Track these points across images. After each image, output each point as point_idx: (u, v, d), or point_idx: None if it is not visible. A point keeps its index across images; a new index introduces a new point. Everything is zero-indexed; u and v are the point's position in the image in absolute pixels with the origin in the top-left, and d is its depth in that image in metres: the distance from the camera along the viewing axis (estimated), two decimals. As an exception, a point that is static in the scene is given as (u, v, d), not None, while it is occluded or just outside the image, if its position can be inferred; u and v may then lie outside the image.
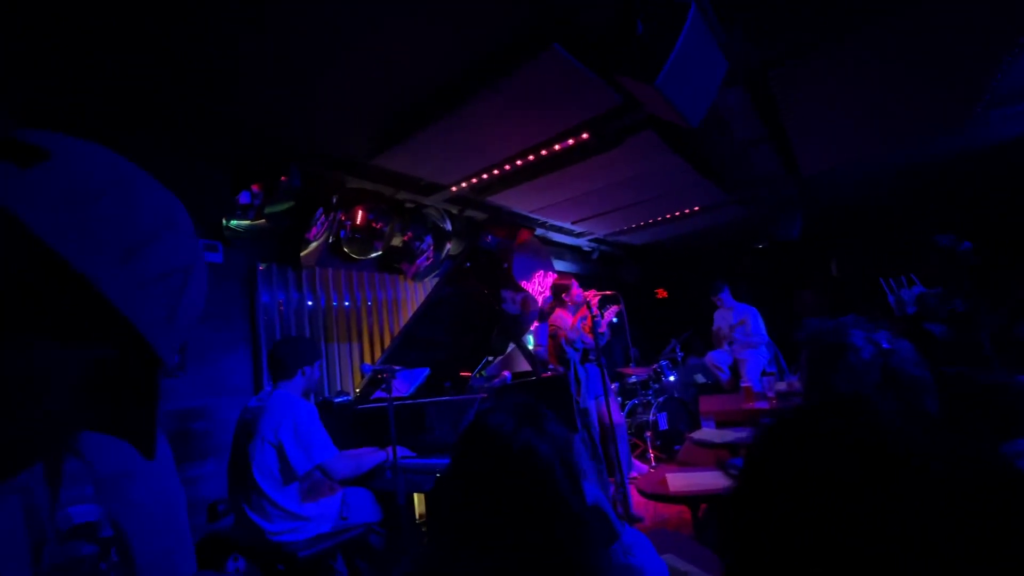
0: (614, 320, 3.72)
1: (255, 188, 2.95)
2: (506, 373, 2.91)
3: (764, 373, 4.37)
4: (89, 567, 1.87)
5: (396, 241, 3.90)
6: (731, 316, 4.95)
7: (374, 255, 3.76)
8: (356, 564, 2.22)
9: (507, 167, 3.37)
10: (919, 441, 0.40)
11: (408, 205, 3.93)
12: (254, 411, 2.12)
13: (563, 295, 3.67)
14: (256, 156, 2.90)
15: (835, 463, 0.40)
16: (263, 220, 3.02)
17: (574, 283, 3.72)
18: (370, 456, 2.20)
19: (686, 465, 3.67)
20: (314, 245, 3.35)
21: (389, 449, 2.21)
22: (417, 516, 3.09)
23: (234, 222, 2.95)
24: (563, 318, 3.64)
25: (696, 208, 4.92)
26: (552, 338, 3.67)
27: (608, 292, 3.61)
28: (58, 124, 2.32)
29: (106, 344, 0.37)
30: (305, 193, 3.12)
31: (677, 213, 5.02)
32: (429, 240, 3.98)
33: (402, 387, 2.73)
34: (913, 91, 3.07)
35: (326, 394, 3.39)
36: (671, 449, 4.49)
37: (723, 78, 2.23)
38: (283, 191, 2.98)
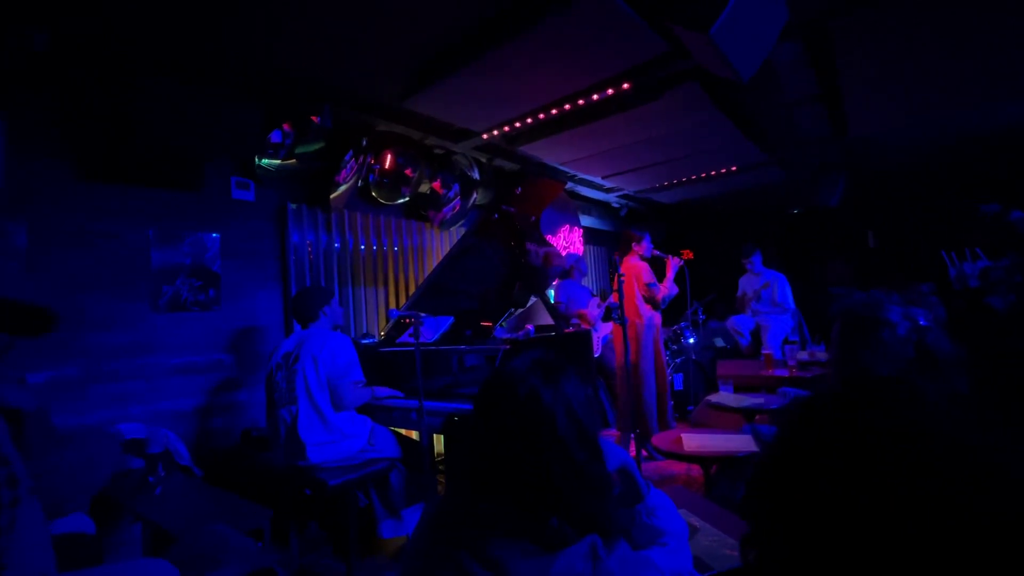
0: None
1: (286, 127, 2.93)
2: (529, 326, 2.94)
3: (786, 341, 4.33)
4: (139, 478, 2.04)
5: (424, 188, 3.87)
6: (757, 281, 4.86)
7: (401, 201, 3.75)
8: (373, 498, 2.37)
9: (541, 116, 3.26)
10: (972, 435, 0.40)
11: (437, 151, 3.87)
12: (296, 342, 2.35)
13: (634, 244, 3.69)
14: (288, 95, 2.85)
15: (886, 454, 0.40)
16: (293, 160, 3.02)
17: (647, 236, 3.74)
18: (367, 392, 2.42)
19: (699, 426, 3.73)
20: (343, 188, 3.35)
21: (363, 385, 2.40)
22: (436, 455, 3.26)
23: (265, 161, 2.96)
24: (643, 268, 3.67)
25: (733, 168, 4.73)
26: (624, 281, 3.67)
27: (677, 260, 3.71)
28: (90, 59, 2.31)
29: None
30: (335, 135, 3.09)
31: (713, 172, 4.84)
32: (456, 188, 3.94)
33: (427, 334, 2.79)
34: (984, 50, 2.82)
35: (352, 335, 3.50)
36: (684, 409, 4.56)
37: (781, 29, 2.07)
38: (314, 131, 2.96)
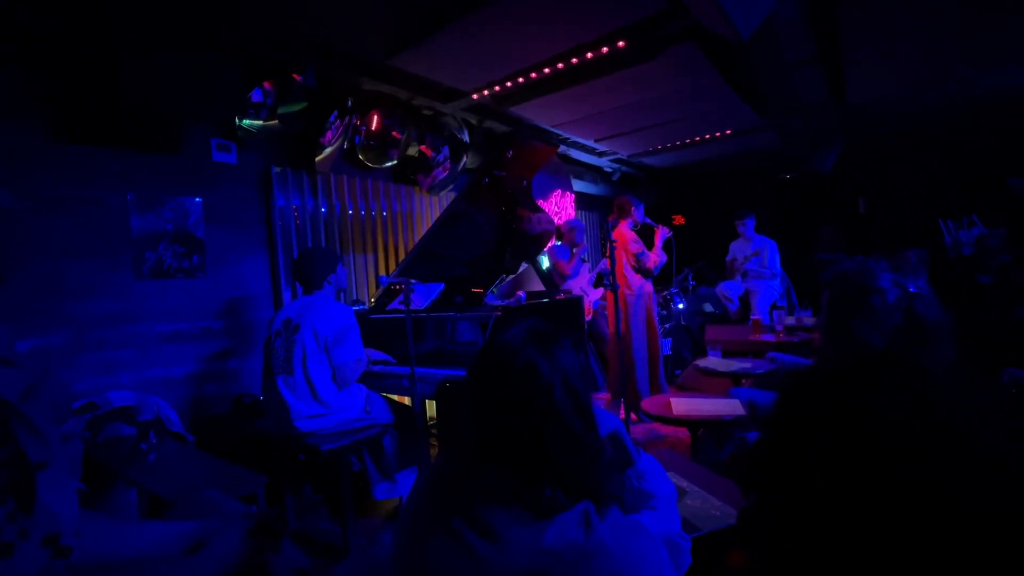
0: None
1: (267, 86, 2.80)
2: (521, 293, 2.94)
3: (774, 306, 4.39)
4: (130, 445, 2.05)
5: (412, 151, 3.77)
6: (748, 247, 4.88)
7: (389, 164, 3.65)
8: (366, 462, 2.40)
9: (533, 75, 3.15)
10: (973, 424, 0.39)
11: (425, 112, 3.75)
12: (298, 308, 2.29)
13: (632, 209, 3.67)
14: (269, 52, 2.72)
15: (883, 439, 0.39)
16: (276, 121, 2.90)
17: (642, 205, 3.73)
18: (365, 364, 2.38)
19: (686, 390, 3.81)
20: (329, 150, 3.25)
21: (365, 361, 2.36)
22: (428, 419, 3.30)
23: (246, 121, 2.84)
24: (631, 237, 3.66)
25: (728, 132, 4.65)
26: (616, 247, 3.65)
27: (666, 229, 3.70)
28: (62, 16, 2.16)
29: None
30: (320, 95, 2.96)
31: (708, 136, 4.77)
32: (446, 151, 3.84)
33: (417, 300, 2.77)
34: (983, 14, 2.74)
35: (342, 301, 3.47)
36: (672, 373, 4.64)
37: (784, -16, 1.99)
38: (296, 91, 2.83)
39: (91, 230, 2.42)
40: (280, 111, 2.87)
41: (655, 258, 3.63)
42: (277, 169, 3.15)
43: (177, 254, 2.70)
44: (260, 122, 2.87)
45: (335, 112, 3.11)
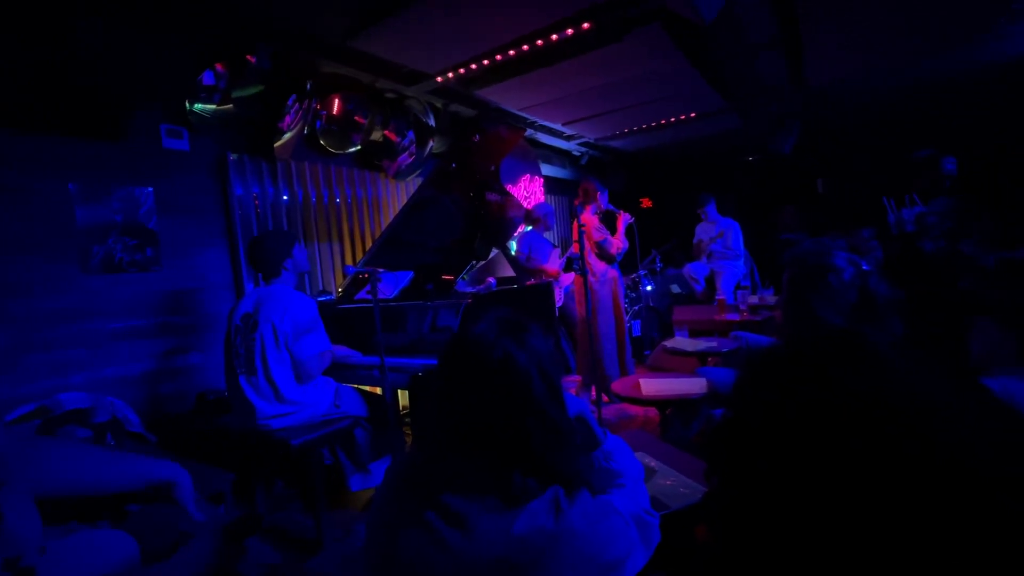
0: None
1: (219, 68, 2.66)
2: (491, 279, 2.93)
3: (738, 286, 4.52)
4: (86, 449, 1.95)
5: (376, 135, 3.66)
6: (712, 229, 4.99)
7: (352, 150, 3.55)
8: (339, 455, 2.36)
9: (499, 57, 3.10)
10: (928, 392, 0.39)
11: (389, 95, 3.64)
12: (255, 301, 2.19)
13: (598, 195, 3.67)
14: (221, 32, 2.58)
15: (849, 423, 0.38)
16: (230, 105, 2.77)
17: (606, 191, 3.76)
18: (329, 357, 2.31)
19: (655, 370, 3.90)
20: (288, 136, 3.12)
21: (328, 355, 2.28)
22: (400, 408, 3.28)
23: (198, 106, 2.70)
24: (592, 225, 3.68)
25: (693, 115, 4.71)
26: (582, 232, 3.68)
27: (628, 215, 3.75)
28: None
29: None
30: (276, 78, 2.84)
31: (673, 119, 4.81)
32: (411, 136, 3.75)
33: (386, 289, 2.73)
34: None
35: (307, 292, 3.38)
36: (641, 354, 4.74)
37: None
38: (251, 73, 2.71)
39: (27, 222, 2.27)
40: (234, 95, 2.74)
41: (618, 243, 3.67)
42: (234, 156, 3.02)
43: (128, 247, 2.57)
44: (213, 106, 2.73)
45: (293, 96, 2.98)
